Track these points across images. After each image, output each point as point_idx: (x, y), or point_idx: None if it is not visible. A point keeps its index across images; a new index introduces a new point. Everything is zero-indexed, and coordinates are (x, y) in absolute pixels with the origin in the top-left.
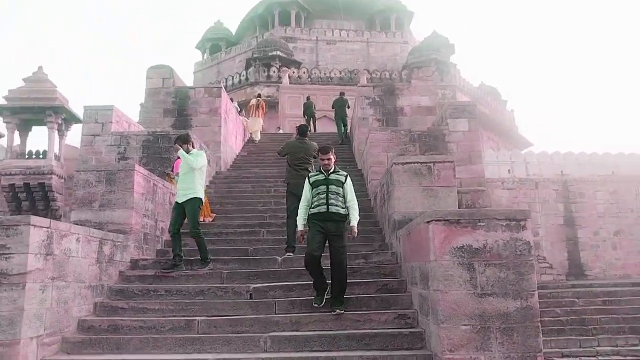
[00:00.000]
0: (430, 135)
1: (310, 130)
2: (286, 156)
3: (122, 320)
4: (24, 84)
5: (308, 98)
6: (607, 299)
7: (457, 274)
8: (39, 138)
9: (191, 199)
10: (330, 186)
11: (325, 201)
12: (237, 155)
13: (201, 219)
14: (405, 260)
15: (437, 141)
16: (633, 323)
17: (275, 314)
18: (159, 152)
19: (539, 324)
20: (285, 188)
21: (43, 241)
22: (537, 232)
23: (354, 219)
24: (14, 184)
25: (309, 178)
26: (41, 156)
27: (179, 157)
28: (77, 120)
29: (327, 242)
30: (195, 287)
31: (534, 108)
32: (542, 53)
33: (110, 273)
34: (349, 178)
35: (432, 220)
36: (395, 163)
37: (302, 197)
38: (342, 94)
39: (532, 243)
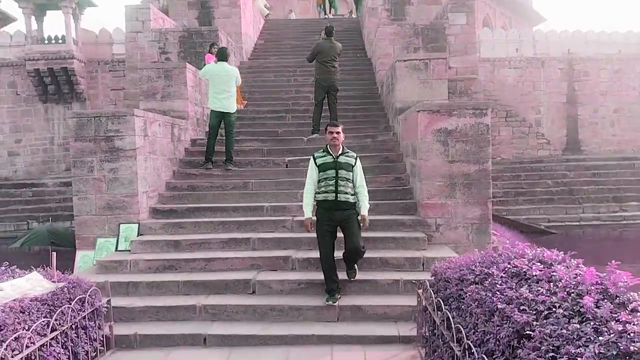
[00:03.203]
0: (432, 28)
1: (329, 12)
2: (317, 55)
3: (196, 182)
4: None
5: None
6: (596, 171)
7: (435, 148)
8: (52, 24)
9: None
10: (339, 171)
11: (334, 188)
12: (255, 44)
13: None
14: (402, 138)
15: (438, 34)
16: (616, 193)
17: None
18: (194, 47)
19: (490, 180)
20: (311, 80)
21: (142, 126)
22: (539, 110)
23: (364, 207)
24: (38, 69)
25: (314, 159)
26: (60, 41)
27: (208, 52)
28: (90, 4)
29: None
30: (245, 159)
31: None
32: None
33: (180, 149)
34: (358, 160)
35: (420, 111)
36: (398, 60)
37: (308, 179)
38: None
39: (490, 126)
